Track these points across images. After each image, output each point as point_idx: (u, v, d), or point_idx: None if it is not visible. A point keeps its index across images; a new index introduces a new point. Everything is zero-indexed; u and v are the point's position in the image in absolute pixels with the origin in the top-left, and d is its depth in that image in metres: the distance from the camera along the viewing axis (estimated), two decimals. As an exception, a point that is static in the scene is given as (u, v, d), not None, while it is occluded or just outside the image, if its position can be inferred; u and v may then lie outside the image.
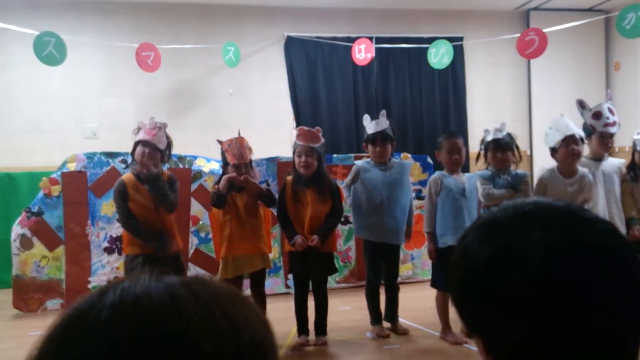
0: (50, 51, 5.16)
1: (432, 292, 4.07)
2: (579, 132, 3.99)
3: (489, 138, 4.04)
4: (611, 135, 4.19)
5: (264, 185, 4.56)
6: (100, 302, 0.53)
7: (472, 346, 3.81)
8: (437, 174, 4.09)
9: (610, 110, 4.19)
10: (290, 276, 4.69)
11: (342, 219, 4.96)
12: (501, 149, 3.99)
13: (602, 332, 0.67)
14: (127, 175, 3.93)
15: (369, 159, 4.23)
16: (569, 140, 3.92)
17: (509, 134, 4.05)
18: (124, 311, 0.52)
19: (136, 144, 3.83)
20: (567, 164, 3.96)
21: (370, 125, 4.13)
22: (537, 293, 0.67)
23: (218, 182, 4.02)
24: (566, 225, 0.71)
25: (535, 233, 0.70)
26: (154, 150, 3.80)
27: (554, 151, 4.02)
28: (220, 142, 3.99)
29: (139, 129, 3.86)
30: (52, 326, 0.54)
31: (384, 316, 4.19)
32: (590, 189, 4.00)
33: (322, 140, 4.04)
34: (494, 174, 4.01)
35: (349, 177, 4.20)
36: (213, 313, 0.53)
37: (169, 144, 3.95)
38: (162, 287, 0.55)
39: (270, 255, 4.20)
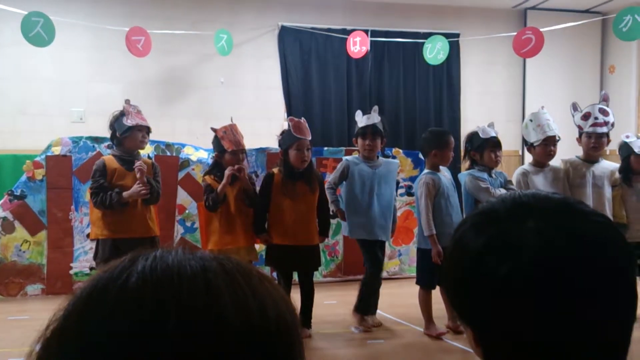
0: (38, 32, 5.05)
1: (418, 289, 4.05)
2: (558, 132, 4.12)
3: (485, 136, 4.01)
4: (600, 136, 4.16)
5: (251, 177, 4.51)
6: (131, 268, 0.53)
7: (453, 341, 3.82)
8: (428, 173, 4.01)
9: (602, 111, 4.16)
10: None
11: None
12: (499, 147, 4.03)
13: (591, 324, 0.67)
14: (108, 158, 3.91)
15: (357, 155, 4.20)
16: (549, 141, 4.07)
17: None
18: (153, 279, 0.52)
19: (129, 128, 3.78)
20: (542, 161, 4.17)
21: (362, 120, 4.13)
22: (529, 283, 0.67)
23: (208, 172, 3.98)
24: (562, 217, 0.71)
25: (531, 223, 0.70)
26: (148, 131, 3.89)
27: (531, 145, 4.18)
28: (214, 129, 3.94)
29: (122, 114, 3.83)
30: (81, 288, 0.54)
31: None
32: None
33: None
34: (487, 172, 4.00)
35: (336, 174, 4.12)
36: (243, 289, 0.53)
37: None
38: (194, 259, 0.54)
39: (257, 247, 4.16)
